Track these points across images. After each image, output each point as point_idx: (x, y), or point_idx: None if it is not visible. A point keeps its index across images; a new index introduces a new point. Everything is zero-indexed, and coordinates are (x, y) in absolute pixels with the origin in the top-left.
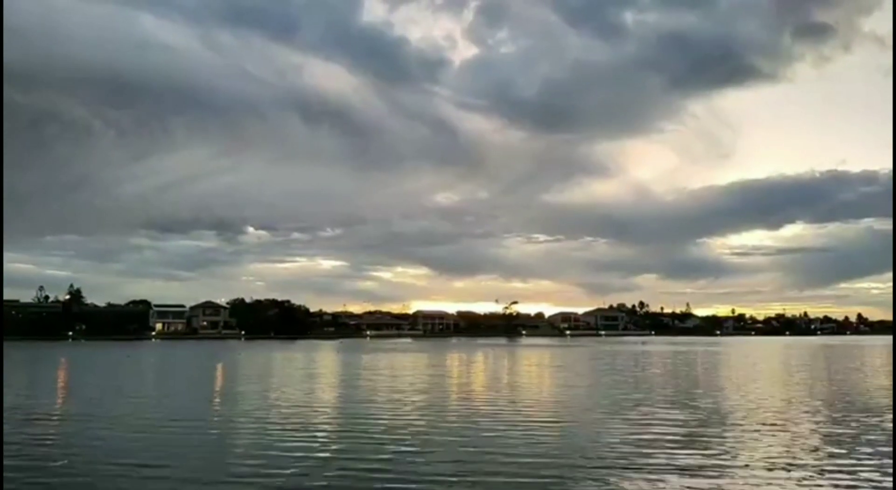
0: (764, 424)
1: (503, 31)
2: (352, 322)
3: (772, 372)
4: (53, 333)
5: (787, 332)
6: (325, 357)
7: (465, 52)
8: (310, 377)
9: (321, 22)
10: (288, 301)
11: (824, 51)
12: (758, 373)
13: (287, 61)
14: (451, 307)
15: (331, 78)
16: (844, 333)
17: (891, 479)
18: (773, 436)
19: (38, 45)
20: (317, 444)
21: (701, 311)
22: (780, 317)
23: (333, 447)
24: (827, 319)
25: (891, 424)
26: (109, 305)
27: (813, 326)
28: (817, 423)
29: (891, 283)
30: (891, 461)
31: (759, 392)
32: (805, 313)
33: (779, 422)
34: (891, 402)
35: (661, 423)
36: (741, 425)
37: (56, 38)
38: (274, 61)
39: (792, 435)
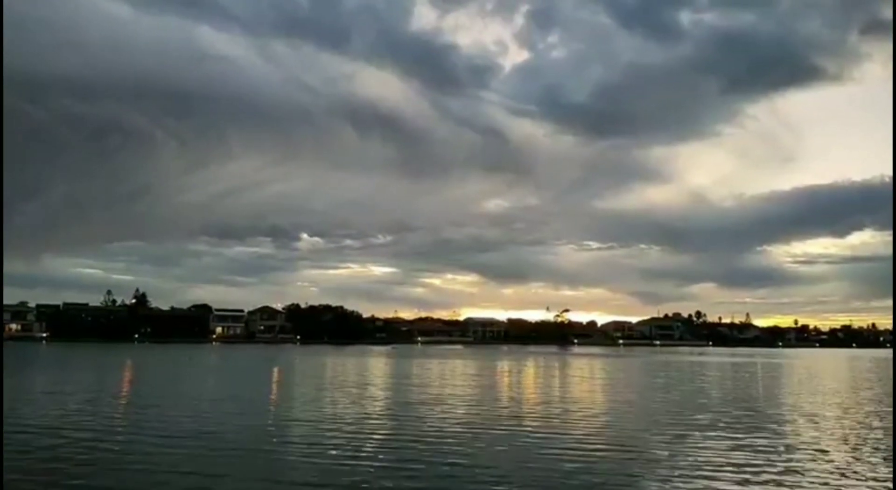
0: (842, 453)
1: (554, 35)
2: (403, 328)
3: (843, 387)
4: (120, 335)
5: (854, 344)
6: (378, 362)
7: (515, 57)
8: (364, 383)
9: (372, 30)
10: (341, 307)
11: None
12: (828, 388)
13: (338, 70)
14: (501, 314)
15: (381, 86)
16: None
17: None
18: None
19: (100, 57)
20: (371, 456)
21: (761, 322)
22: (845, 328)
23: (378, 467)
24: None
25: None
26: (173, 309)
27: (882, 339)
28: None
29: None
30: None
31: (832, 411)
32: (873, 325)
33: (860, 450)
34: None
35: (732, 450)
36: (820, 455)
37: (117, 50)
38: (326, 70)
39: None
